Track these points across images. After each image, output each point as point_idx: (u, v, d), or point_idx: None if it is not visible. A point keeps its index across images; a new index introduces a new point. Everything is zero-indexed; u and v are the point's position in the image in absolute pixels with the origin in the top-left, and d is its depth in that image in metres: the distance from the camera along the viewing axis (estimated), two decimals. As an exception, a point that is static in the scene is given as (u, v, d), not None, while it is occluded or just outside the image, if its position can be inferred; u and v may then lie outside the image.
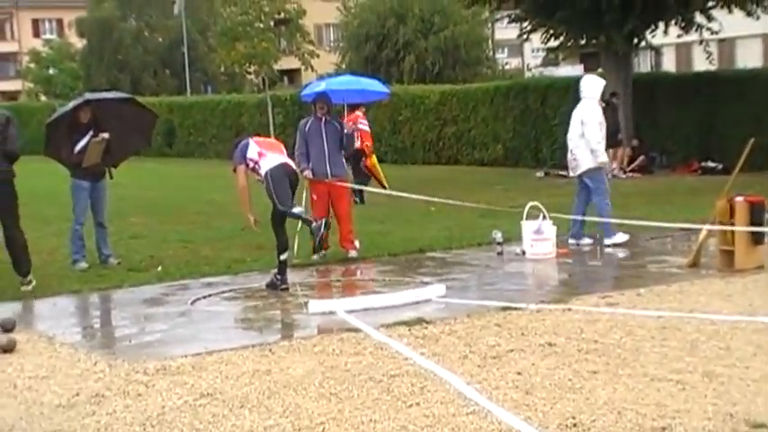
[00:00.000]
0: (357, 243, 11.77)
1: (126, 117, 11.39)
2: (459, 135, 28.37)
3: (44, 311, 9.25)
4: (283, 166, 9.79)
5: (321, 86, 13.32)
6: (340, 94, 13.56)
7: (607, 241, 11.79)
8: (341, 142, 11.64)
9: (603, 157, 11.92)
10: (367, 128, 18.12)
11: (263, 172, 9.77)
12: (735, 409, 5.37)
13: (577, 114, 11.96)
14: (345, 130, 11.85)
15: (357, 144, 16.51)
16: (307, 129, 11.75)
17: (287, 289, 9.67)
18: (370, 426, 5.48)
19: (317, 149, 11.59)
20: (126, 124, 11.36)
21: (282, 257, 9.76)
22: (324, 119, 11.63)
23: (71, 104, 11.36)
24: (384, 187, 17.58)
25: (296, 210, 9.90)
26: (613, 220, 11.74)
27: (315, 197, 11.62)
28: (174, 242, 13.44)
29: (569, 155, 12.10)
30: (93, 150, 11.10)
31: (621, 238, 11.79)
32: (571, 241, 11.93)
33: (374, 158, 18.35)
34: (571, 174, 12.16)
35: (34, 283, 10.12)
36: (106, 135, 11.08)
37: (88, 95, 11.76)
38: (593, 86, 12.01)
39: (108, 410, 5.95)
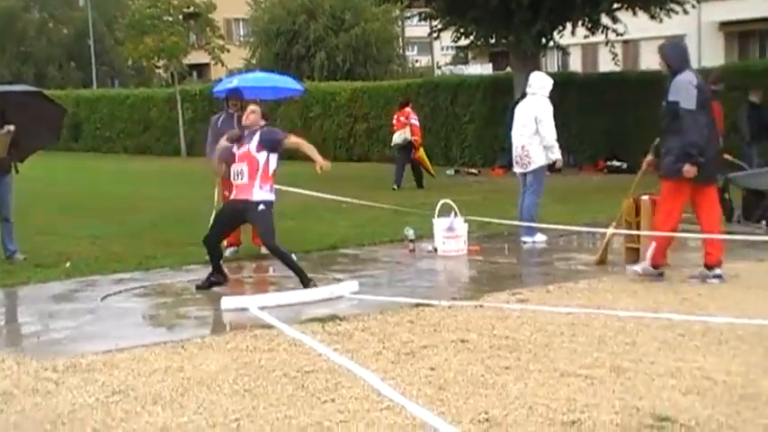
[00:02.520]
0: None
1: (33, 111, 11.18)
2: (370, 132, 28.49)
3: (-52, 308, 9.04)
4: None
5: (233, 82, 13.21)
6: (253, 90, 13.46)
7: (527, 239, 11.91)
8: None
9: (558, 154, 11.95)
10: (417, 122, 20.56)
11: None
12: (641, 403, 5.51)
13: (529, 110, 11.92)
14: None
15: (409, 137, 20.14)
16: (219, 124, 11.67)
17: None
18: (285, 422, 5.48)
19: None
20: (33, 118, 11.16)
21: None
22: (236, 114, 11.57)
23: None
24: (432, 176, 20.91)
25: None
26: (526, 224, 11.87)
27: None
28: (83, 238, 13.23)
29: (519, 151, 11.99)
30: (-1, 143, 10.88)
31: (540, 238, 11.92)
32: (526, 239, 11.96)
33: (422, 151, 20.83)
34: (519, 170, 12.09)
35: None
36: (11, 127, 10.86)
37: (-6, 88, 11.55)
38: (543, 82, 12.03)
39: (17, 408, 5.85)
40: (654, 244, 9.25)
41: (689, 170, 8.88)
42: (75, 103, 37.31)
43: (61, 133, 11.87)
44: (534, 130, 11.78)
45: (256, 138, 9.38)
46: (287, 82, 16.60)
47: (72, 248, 12.21)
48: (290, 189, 12.44)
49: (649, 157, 9.60)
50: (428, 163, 21.11)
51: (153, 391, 6.10)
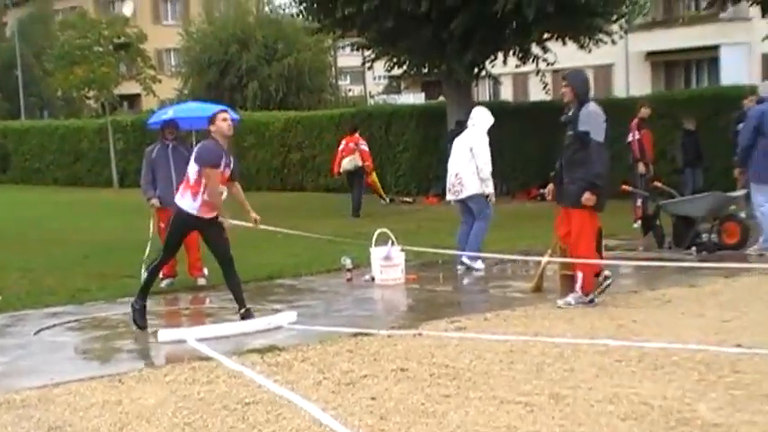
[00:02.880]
0: (206, 270, 11.65)
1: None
2: (304, 161, 28.50)
3: None
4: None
5: (169, 113, 13.11)
6: (188, 120, 13.38)
7: (467, 262, 11.96)
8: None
9: (491, 188, 12.06)
10: (366, 148, 20.85)
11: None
12: (580, 430, 5.57)
13: (465, 142, 12.05)
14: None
15: (359, 163, 20.38)
16: (153, 155, 11.61)
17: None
18: (226, 455, 5.45)
19: (165, 176, 11.48)
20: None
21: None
22: (170, 145, 11.54)
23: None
24: (383, 200, 22.05)
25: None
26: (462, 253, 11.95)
27: (163, 225, 11.35)
28: (14, 270, 13.04)
29: (453, 179, 12.10)
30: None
31: (480, 265, 11.97)
32: (466, 261, 11.99)
33: (374, 176, 21.89)
34: (452, 197, 12.18)
35: None
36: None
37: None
38: (484, 117, 12.19)
39: (-49, 447, 5.74)
40: (580, 274, 9.38)
41: (589, 198, 9.13)
42: (3, 134, 36.82)
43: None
44: (469, 159, 11.91)
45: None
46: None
47: (2, 282, 12.01)
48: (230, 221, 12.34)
49: (550, 186, 9.80)
50: (380, 188, 21.69)
51: (91, 426, 6.02)
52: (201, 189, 9.10)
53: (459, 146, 12.16)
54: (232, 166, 9.31)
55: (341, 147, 20.94)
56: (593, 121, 9.22)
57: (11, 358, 8.19)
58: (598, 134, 9.18)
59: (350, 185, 20.90)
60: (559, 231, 9.67)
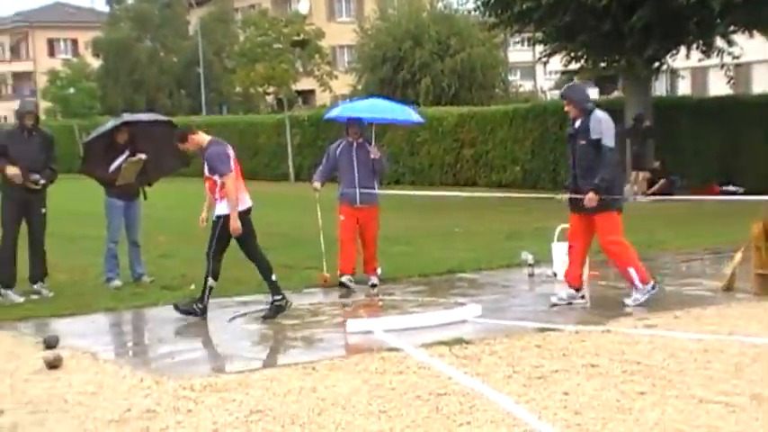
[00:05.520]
0: (379, 270, 11.54)
1: (162, 139, 11.48)
2: (477, 157, 28.46)
3: (83, 329, 9.29)
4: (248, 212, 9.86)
5: (351, 109, 12.75)
6: (372, 119, 12.99)
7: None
8: (373, 167, 11.31)
9: None
10: None
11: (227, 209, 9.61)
12: (787, 432, 5.42)
13: None
14: (373, 156, 11.29)
15: None
16: (338, 152, 11.43)
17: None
18: (423, 444, 5.53)
19: (348, 174, 11.27)
20: (162, 146, 11.46)
21: (210, 283, 9.83)
22: (355, 143, 11.36)
23: (109, 125, 11.49)
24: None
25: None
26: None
27: (342, 217, 11.37)
28: (202, 262, 13.47)
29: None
30: (129, 170, 11.23)
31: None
32: None
33: None
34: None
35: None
36: (143, 156, 11.22)
37: (126, 117, 11.92)
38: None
39: (161, 426, 6.01)
40: (631, 269, 9.56)
41: (591, 198, 9.36)
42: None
43: (190, 159, 12.14)
44: None
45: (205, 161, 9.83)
46: (405, 113, 13.88)
47: (194, 271, 12.43)
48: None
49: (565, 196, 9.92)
50: None
51: (290, 411, 6.21)
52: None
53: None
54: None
55: None
56: (603, 127, 9.40)
57: (209, 344, 8.52)
58: (609, 140, 9.39)
59: None
60: (573, 240, 9.87)
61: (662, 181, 22.39)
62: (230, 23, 60.07)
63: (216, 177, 9.67)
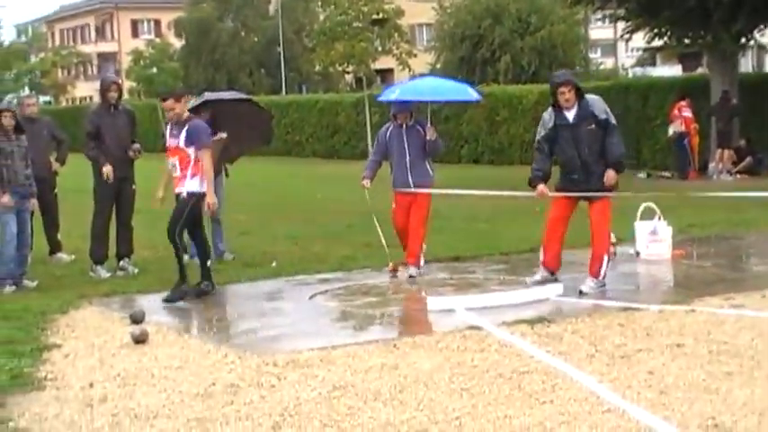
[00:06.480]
0: (422, 261, 10.76)
1: (243, 117, 11.57)
2: (557, 136, 28.13)
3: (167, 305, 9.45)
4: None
5: (396, 93, 11.08)
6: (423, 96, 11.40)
7: None
8: (424, 148, 10.56)
9: None
10: (690, 114, 22.01)
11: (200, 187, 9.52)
12: None
13: None
14: (428, 137, 10.51)
15: (682, 128, 22.04)
16: (387, 137, 10.67)
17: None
18: (505, 421, 5.52)
19: (399, 158, 10.57)
20: (243, 124, 11.55)
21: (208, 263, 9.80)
22: (404, 125, 10.56)
23: (191, 104, 11.61)
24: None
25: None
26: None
27: (394, 205, 10.79)
28: (284, 239, 13.63)
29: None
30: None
31: None
32: None
33: (697, 139, 22.36)
34: None
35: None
36: (224, 135, 11.32)
37: (208, 95, 12.05)
38: None
39: (245, 400, 6.09)
40: (605, 257, 9.42)
41: (613, 176, 9.30)
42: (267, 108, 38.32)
43: (272, 137, 12.24)
44: None
45: (184, 133, 9.53)
46: (460, 92, 12.38)
47: (275, 249, 12.59)
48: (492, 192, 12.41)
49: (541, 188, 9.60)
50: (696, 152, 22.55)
51: (372, 388, 6.24)
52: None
53: None
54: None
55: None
56: (603, 106, 9.35)
57: (291, 320, 8.61)
58: (612, 117, 9.33)
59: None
60: (557, 226, 9.66)
61: (748, 159, 21.94)
62: (310, 2, 60.21)
63: (190, 151, 9.49)
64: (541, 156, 9.53)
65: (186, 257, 9.72)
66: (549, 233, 9.74)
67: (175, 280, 9.56)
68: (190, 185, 9.50)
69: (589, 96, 9.45)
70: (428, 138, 10.49)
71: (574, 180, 9.45)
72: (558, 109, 9.36)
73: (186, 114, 9.75)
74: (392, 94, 10.94)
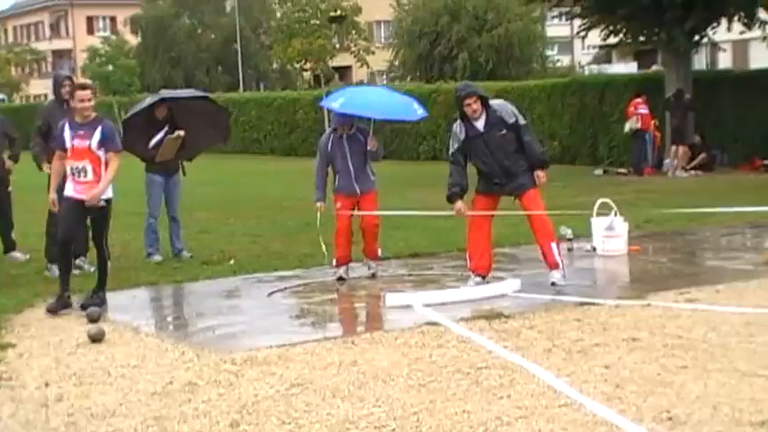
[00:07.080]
0: (380, 251, 10.75)
1: (200, 114, 11.52)
2: (515, 132, 28.26)
3: (124, 303, 9.36)
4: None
5: (339, 101, 10.48)
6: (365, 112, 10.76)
7: None
8: (365, 154, 10.30)
9: None
10: (646, 111, 22.41)
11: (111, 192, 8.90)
12: (832, 406, 5.37)
13: None
14: (369, 147, 10.25)
15: (638, 126, 22.36)
16: (329, 147, 10.35)
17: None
18: (464, 416, 5.54)
19: (342, 167, 10.30)
20: (200, 121, 11.50)
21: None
22: (344, 135, 10.29)
23: (147, 101, 11.55)
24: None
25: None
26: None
27: (339, 204, 10.48)
28: (243, 237, 13.59)
29: None
30: (168, 146, 11.28)
31: None
32: None
33: (659, 134, 22.91)
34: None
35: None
36: (182, 132, 11.26)
37: (164, 93, 11.98)
38: None
39: (203, 398, 6.07)
40: (554, 244, 9.47)
41: (544, 175, 9.46)
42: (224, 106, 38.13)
43: (229, 134, 12.20)
44: None
45: (98, 133, 8.78)
46: (406, 110, 11.23)
47: (234, 247, 12.54)
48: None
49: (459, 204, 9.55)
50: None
51: (330, 385, 6.24)
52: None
53: None
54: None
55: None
56: (510, 108, 9.43)
57: (249, 318, 8.59)
58: (521, 117, 9.42)
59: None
60: (481, 228, 9.56)
61: (702, 155, 22.18)
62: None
63: (101, 153, 8.77)
64: (457, 168, 9.46)
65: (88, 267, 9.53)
66: (473, 238, 9.60)
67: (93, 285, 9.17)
68: (109, 192, 8.88)
69: (494, 102, 9.48)
70: (369, 148, 10.28)
71: (496, 183, 9.45)
72: (467, 120, 9.37)
73: (94, 114, 8.97)
74: (334, 103, 10.45)
